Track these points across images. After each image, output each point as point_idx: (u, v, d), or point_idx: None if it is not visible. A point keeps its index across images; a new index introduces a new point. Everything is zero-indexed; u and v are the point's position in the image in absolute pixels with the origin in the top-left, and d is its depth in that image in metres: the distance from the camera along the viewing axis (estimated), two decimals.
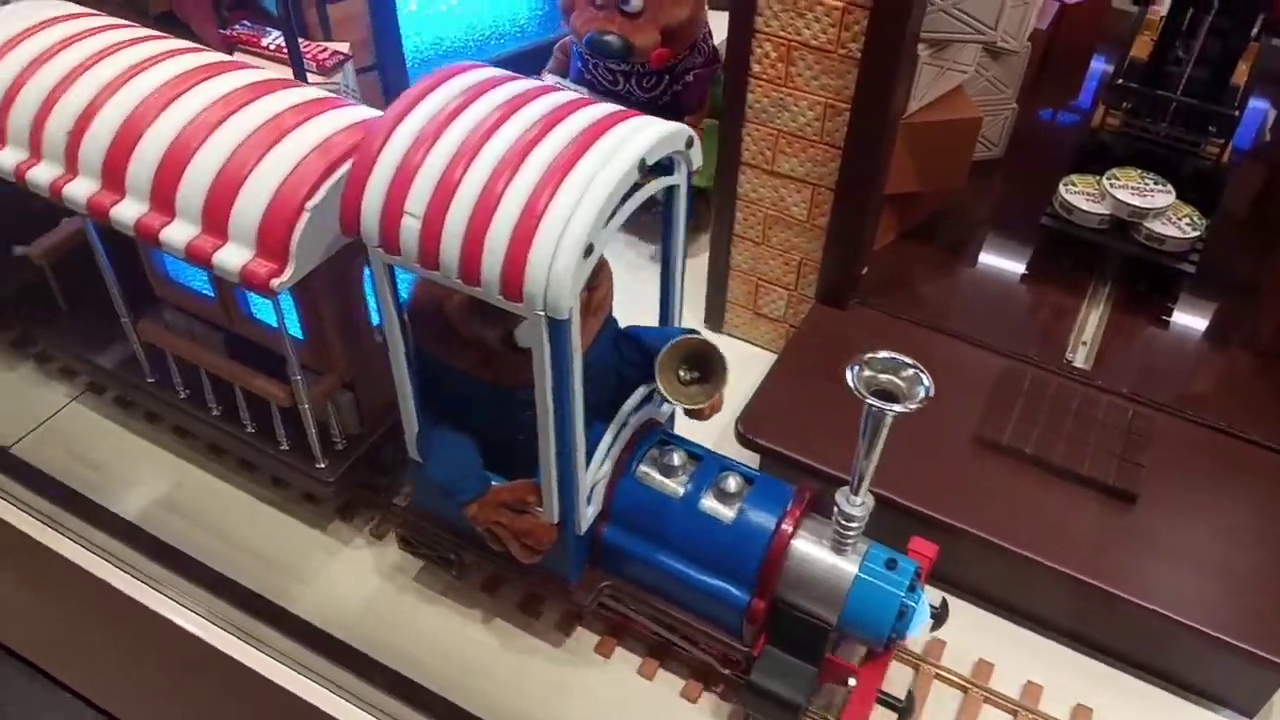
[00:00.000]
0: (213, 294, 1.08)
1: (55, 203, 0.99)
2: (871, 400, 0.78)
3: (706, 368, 0.92)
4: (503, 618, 1.07)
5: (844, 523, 0.91)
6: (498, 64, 1.58)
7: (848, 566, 0.93)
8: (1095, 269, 1.41)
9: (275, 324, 1.05)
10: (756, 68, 1.19)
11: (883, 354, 0.80)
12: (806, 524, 0.95)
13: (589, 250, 0.75)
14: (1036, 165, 1.58)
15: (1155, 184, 1.36)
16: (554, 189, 0.75)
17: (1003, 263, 1.47)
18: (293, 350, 1.00)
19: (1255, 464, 1.13)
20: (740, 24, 1.18)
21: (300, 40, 1.38)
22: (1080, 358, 1.28)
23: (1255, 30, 1.41)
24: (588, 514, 0.95)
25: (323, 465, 1.09)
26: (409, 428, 0.96)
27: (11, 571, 1.28)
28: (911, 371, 0.80)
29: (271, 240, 0.90)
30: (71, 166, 0.98)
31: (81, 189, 0.97)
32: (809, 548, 0.94)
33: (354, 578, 1.11)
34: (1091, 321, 1.34)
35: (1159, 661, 1.05)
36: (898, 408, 0.78)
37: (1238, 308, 1.40)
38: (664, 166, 0.85)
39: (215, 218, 0.92)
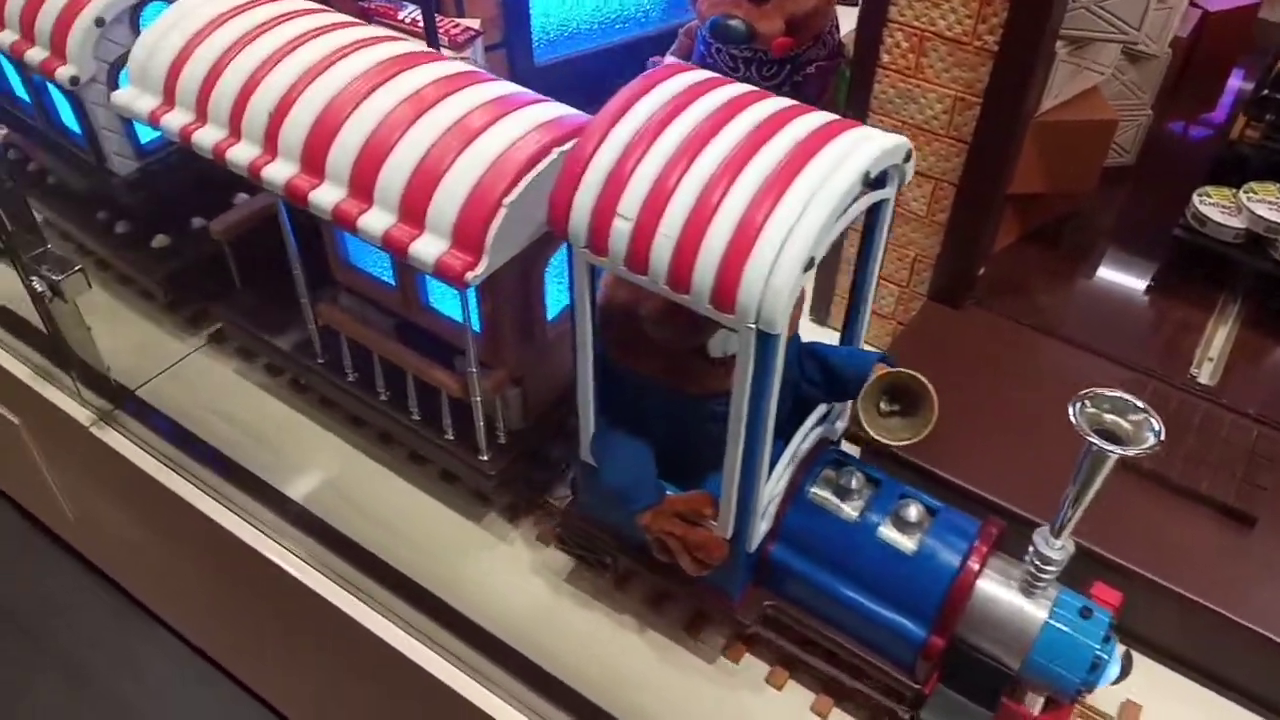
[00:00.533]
0: (394, 281, 1.09)
1: (253, 182, 1.00)
2: (1094, 440, 0.74)
3: (908, 400, 0.88)
4: (662, 632, 1.05)
5: (1040, 565, 0.86)
6: (622, 48, 1.66)
7: (1036, 611, 0.88)
8: (1226, 284, 1.37)
9: (455, 315, 1.06)
10: (886, 58, 1.16)
11: (1111, 392, 0.76)
12: (991, 561, 0.91)
13: (809, 264, 0.72)
14: (1169, 175, 1.54)
15: None
16: (774, 200, 0.73)
17: (1128, 272, 1.42)
18: (472, 343, 1.00)
19: None
20: (872, 12, 1.15)
21: (435, 16, 1.42)
22: (1205, 374, 1.23)
23: None
24: (760, 531, 0.93)
25: (486, 458, 1.09)
26: (585, 430, 0.95)
27: (183, 545, 1.33)
28: (1141, 415, 0.75)
29: (468, 233, 0.90)
30: (271, 148, 0.99)
31: (281, 171, 0.98)
32: (995, 588, 0.89)
33: (510, 574, 1.11)
34: (1219, 338, 1.29)
35: (1271, 693, 0.99)
36: (1122, 450, 0.74)
37: None
38: (878, 179, 0.82)
39: (413, 208, 0.92)
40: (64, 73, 1.11)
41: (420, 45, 1.06)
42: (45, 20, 1.12)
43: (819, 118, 0.80)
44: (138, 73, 1.07)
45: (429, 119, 0.94)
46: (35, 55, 1.13)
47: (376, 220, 0.93)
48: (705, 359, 0.87)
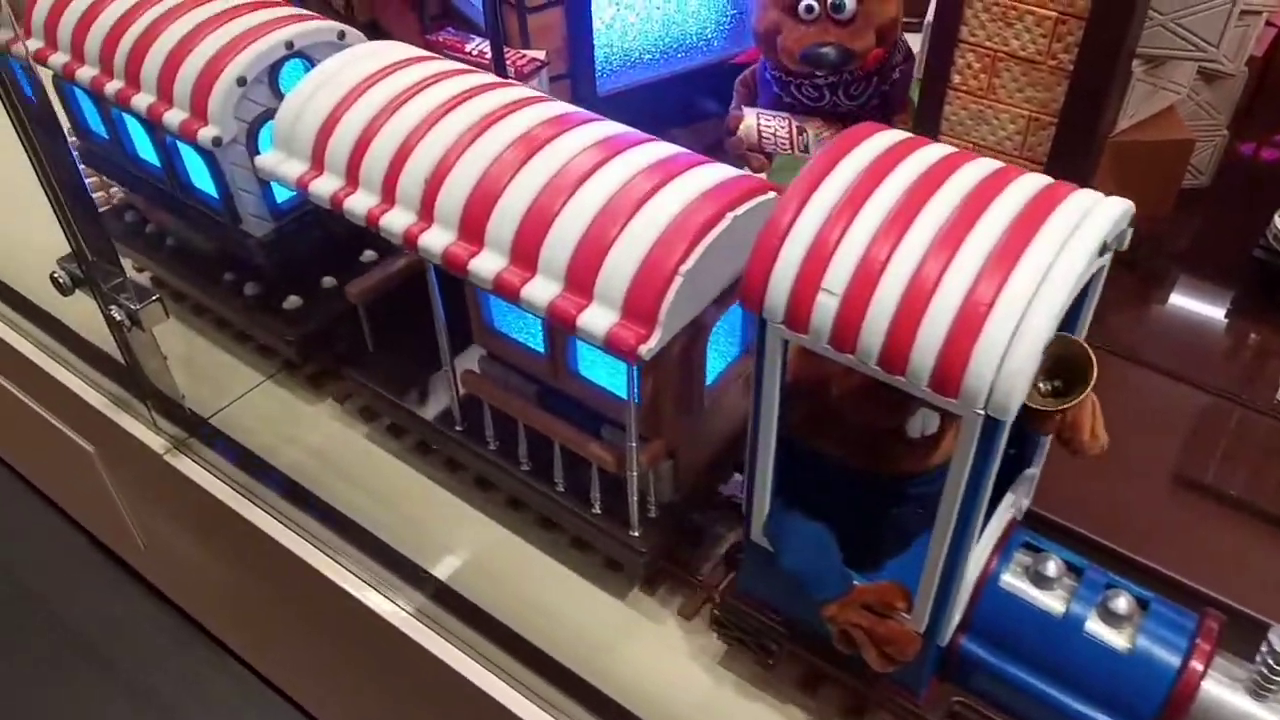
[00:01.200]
0: (542, 348, 1.04)
1: (407, 250, 0.97)
2: None
3: (1067, 375, 0.78)
4: None
5: (1275, 665, 0.77)
6: (684, 76, 1.67)
7: (1270, 718, 0.79)
8: None
9: (608, 385, 1.01)
10: (957, 78, 1.15)
11: None
12: (1215, 660, 0.82)
13: (1048, 345, 0.66)
14: (1245, 197, 1.50)
15: None
16: (1005, 274, 0.67)
17: (1206, 295, 1.39)
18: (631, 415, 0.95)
19: None
20: (943, 34, 1.14)
21: (503, 48, 1.44)
22: None
23: None
24: (953, 623, 0.86)
25: (636, 533, 1.04)
26: (758, 510, 0.89)
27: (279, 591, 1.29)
28: None
29: (641, 305, 0.85)
30: (427, 215, 0.96)
31: (438, 239, 0.94)
32: (1222, 691, 0.81)
33: (655, 653, 1.05)
34: None
35: None
36: None
37: None
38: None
39: (580, 278, 0.87)
40: (206, 134, 1.09)
41: (573, 108, 1.02)
42: (185, 82, 1.11)
43: (1034, 181, 0.74)
44: (283, 136, 1.05)
45: (593, 184, 0.90)
46: (174, 117, 1.12)
47: (541, 290, 0.89)
48: (900, 439, 0.81)
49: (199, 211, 1.25)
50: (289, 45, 1.12)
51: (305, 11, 1.18)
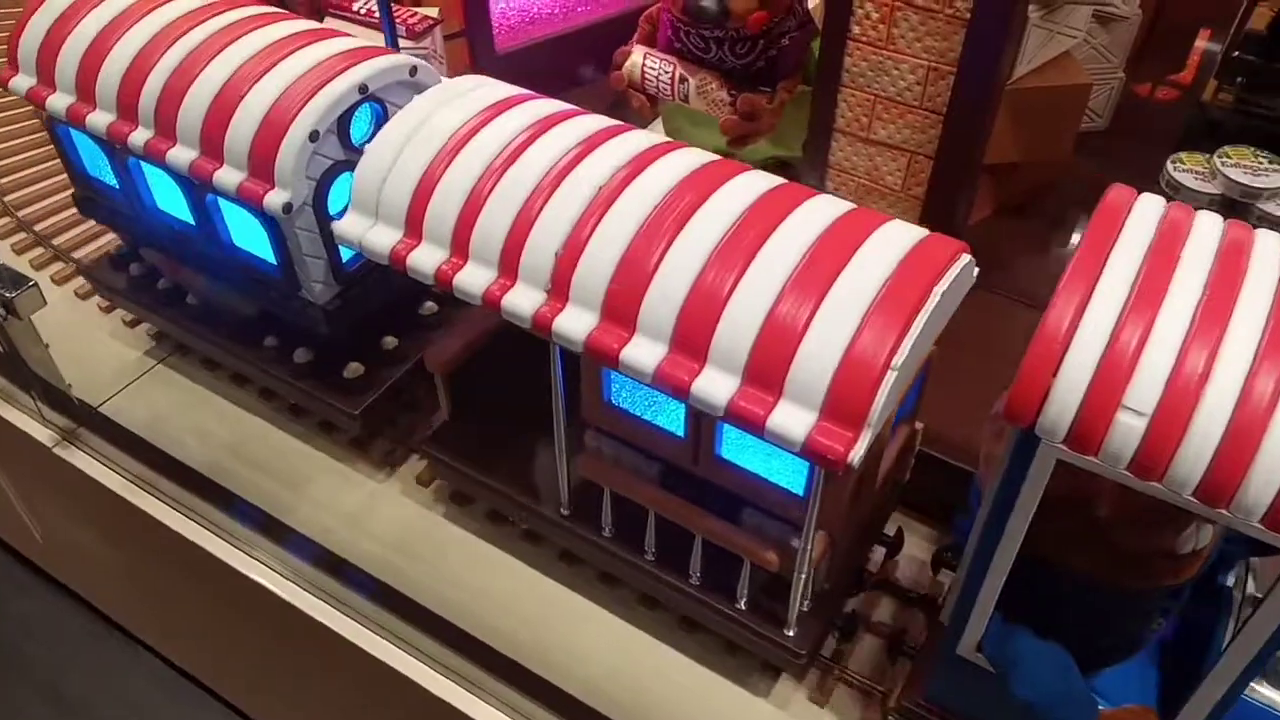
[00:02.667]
0: (682, 432, 0.92)
1: (535, 332, 0.83)
2: None
3: None
4: None
5: None
6: (584, 31, 1.68)
7: None
8: None
9: (764, 473, 0.89)
10: (856, 29, 1.14)
11: None
12: None
13: None
14: (1143, 139, 1.52)
15: (1270, 163, 1.30)
16: None
17: None
18: (788, 507, 0.84)
19: None
20: None
21: (391, 5, 1.40)
22: None
23: None
24: None
25: (792, 632, 0.92)
26: (974, 627, 0.78)
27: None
28: None
29: (845, 404, 0.73)
30: (560, 294, 0.82)
31: (577, 324, 0.81)
32: None
33: None
34: None
35: None
36: None
37: None
38: None
39: (765, 372, 0.75)
40: (275, 200, 0.94)
41: (710, 156, 0.89)
42: (240, 136, 0.95)
43: None
44: (368, 199, 0.90)
45: (767, 258, 0.78)
46: (229, 178, 0.96)
47: (717, 386, 0.76)
48: (1167, 554, 0.71)
49: (243, 274, 1.09)
50: (363, 89, 0.96)
51: (368, 44, 1.02)
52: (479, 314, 1.05)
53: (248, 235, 1.05)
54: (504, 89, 0.96)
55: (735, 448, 0.91)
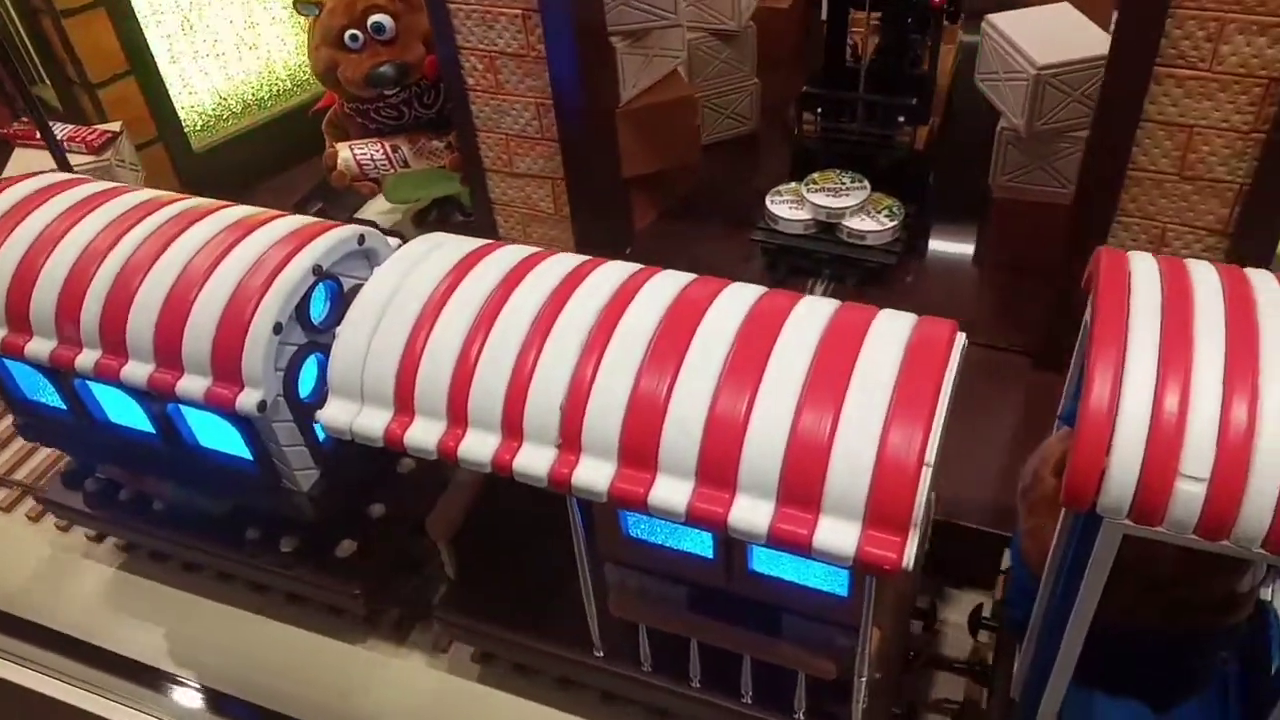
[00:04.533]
0: (711, 554, 0.90)
1: (556, 490, 0.81)
2: None
3: None
4: None
5: None
6: (281, 120, 1.91)
7: None
8: (811, 271, 1.47)
9: (803, 580, 0.88)
10: (470, 80, 1.29)
11: None
12: None
13: None
14: (787, 135, 1.63)
15: (852, 182, 1.44)
16: None
17: (736, 244, 1.52)
18: (830, 609, 0.83)
19: None
20: (444, 41, 1.29)
21: (73, 127, 1.60)
22: None
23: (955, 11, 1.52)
24: None
25: None
26: (1052, 701, 0.77)
27: None
28: None
29: (887, 510, 0.72)
30: (572, 448, 0.80)
31: (596, 475, 0.79)
32: None
33: None
34: None
35: None
36: None
37: (946, 291, 1.46)
38: None
39: (798, 490, 0.74)
40: (248, 401, 0.90)
41: (682, 278, 0.88)
42: (197, 340, 0.91)
43: None
44: (347, 382, 0.87)
45: (774, 377, 0.77)
46: (194, 386, 0.91)
47: (753, 513, 0.75)
48: (1230, 596, 0.71)
49: (216, 474, 1.04)
50: (317, 270, 0.94)
51: (306, 220, 1.00)
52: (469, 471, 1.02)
53: (217, 436, 1.01)
54: (463, 244, 0.94)
55: (768, 561, 0.89)
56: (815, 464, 0.74)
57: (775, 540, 0.74)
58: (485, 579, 1.06)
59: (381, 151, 1.55)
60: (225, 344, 0.90)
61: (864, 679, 0.86)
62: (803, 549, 0.74)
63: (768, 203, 1.44)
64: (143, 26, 1.70)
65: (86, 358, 0.96)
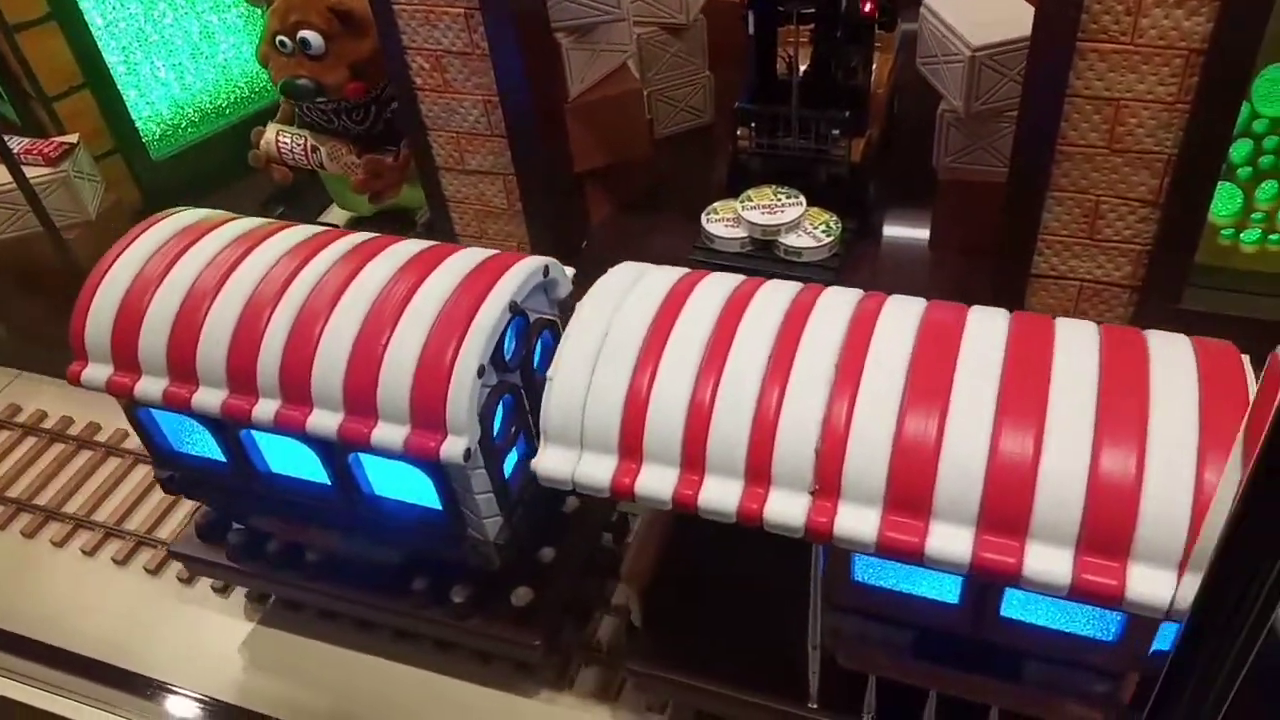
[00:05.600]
0: (957, 599, 0.84)
1: (811, 540, 0.75)
2: None
3: None
4: None
5: None
6: (242, 125, 1.92)
7: None
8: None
9: (1066, 627, 0.81)
10: (418, 80, 1.30)
11: None
12: None
13: None
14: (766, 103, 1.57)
15: (787, 198, 1.39)
16: None
17: (688, 227, 1.48)
18: (1090, 653, 0.77)
19: None
20: (389, 42, 1.29)
21: (29, 140, 1.62)
22: None
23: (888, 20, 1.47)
24: None
25: None
26: None
27: None
28: None
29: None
30: (830, 492, 0.74)
31: (862, 524, 0.73)
32: None
33: None
34: None
35: None
36: None
37: (900, 276, 1.43)
38: None
39: (1106, 538, 0.68)
40: (455, 450, 0.84)
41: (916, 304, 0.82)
42: (394, 388, 0.85)
43: None
44: (564, 429, 0.81)
45: (1059, 413, 0.71)
46: (391, 436, 0.85)
47: (1051, 564, 0.69)
48: None
49: (390, 524, 0.99)
50: (513, 308, 0.88)
51: (487, 252, 0.94)
52: (656, 512, 0.97)
53: (400, 485, 0.95)
54: (667, 275, 0.88)
55: (1023, 607, 0.83)
56: (1123, 510, 0.68)
57: (1079, 592, 0.68)
58: (671, 625, 1.00)
59: (303, 146, 1.59)
60: (425, 391, 0.84)
61: None
62: (1113, 601, 0.67)
63: (704, 222, 1.41)
64: (97, 38, 1.70)
65: (264, 409, 0.90)
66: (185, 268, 0.96)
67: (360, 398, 0.87)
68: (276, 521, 1.09)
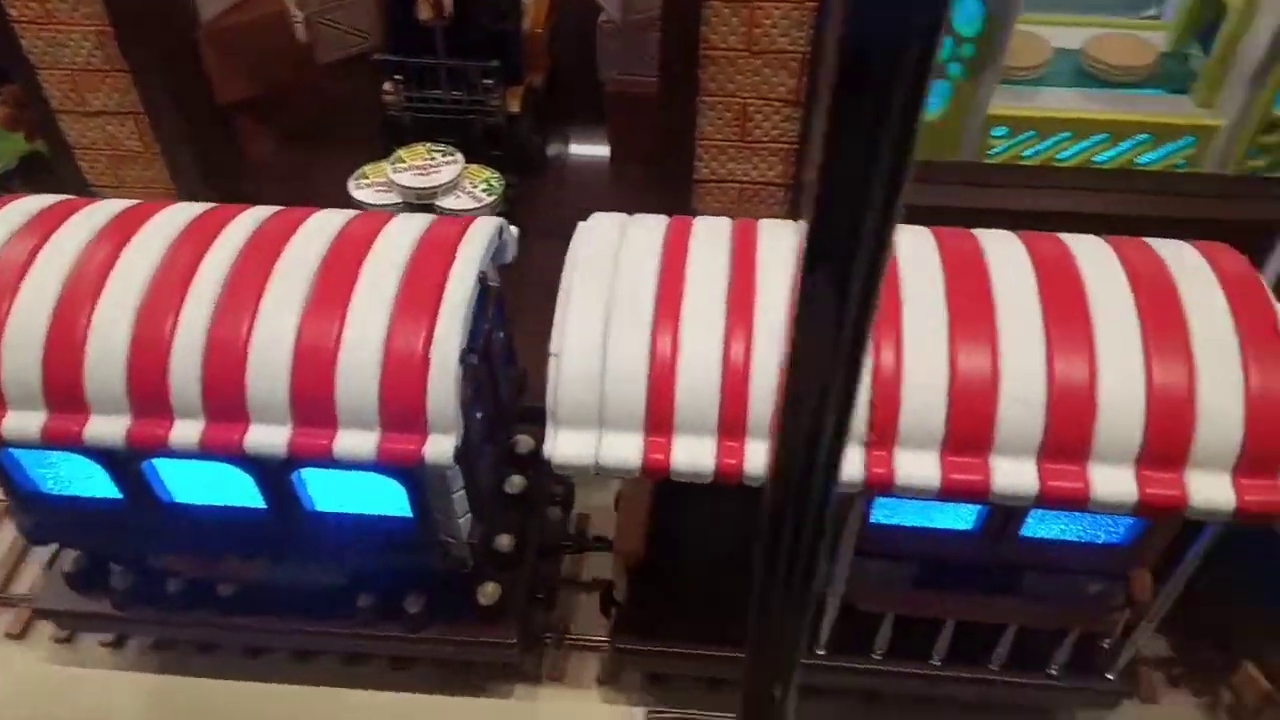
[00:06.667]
0: (975, 526, 0.83)
1: (878, 492, 0.70)
2: None
3: None
4: None
5: None
6: None
7: None
8: None
9: (1078, 537, 0.83)
10: (13, 10, 1.14)
11: None
12: None
13: None
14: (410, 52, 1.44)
15: (444, 156, 1.25)
16: None
17: (355, 147, 1.37)
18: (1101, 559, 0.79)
19: None
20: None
21: None
22: None
23: None
24: None
25: (1113, 675, 0.88)
26: None
27: None
28: None
29: (1261, 456, 0.67)
30: (887, 441, 0.69)
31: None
32: None
33: None
34: None
35: None
36: None
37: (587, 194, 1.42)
38: None
39: (1167, 450, 0.68)
40: (441, 450, 0.72)
41: None
42: (356, 386, 0.72)
43: None
44: (578, 410, 0.72)
45: (1113, 336, 0.70)
46: (358, 444, 0.72)
47: (1115, 482, 0.68)
48: None
49: (338, 541, 0.85)
50: (482, 278, 0.76)
51: (424, 217, 0.81)
52: (633, 484, 0.90)
53: (357, 497, 0.82)
54: (650, 227, 0.79)
55: (1042, 524, 0.83)
56: (1183, 423, 0.68)
57: (1147, 507, 0.68)
58: (659, 598, 0.94)
59: None
60: (397, 386, 0.72)
61: (1153, 623, 0.83)
62: (1178, 508, 0.68)
63: (350, 189, 1.25)
64: None
65: (184, 433, 0.74)
66: (47, 269, 0.77)
67: (312, 405, 0.73)
68: (182, 558, 0.92)
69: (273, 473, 0.78)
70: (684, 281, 0.74)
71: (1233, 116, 1.23)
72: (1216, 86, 1.24)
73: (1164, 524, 0.80)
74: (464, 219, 0.81)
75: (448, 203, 1.21)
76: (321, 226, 0.79)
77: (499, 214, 1.10)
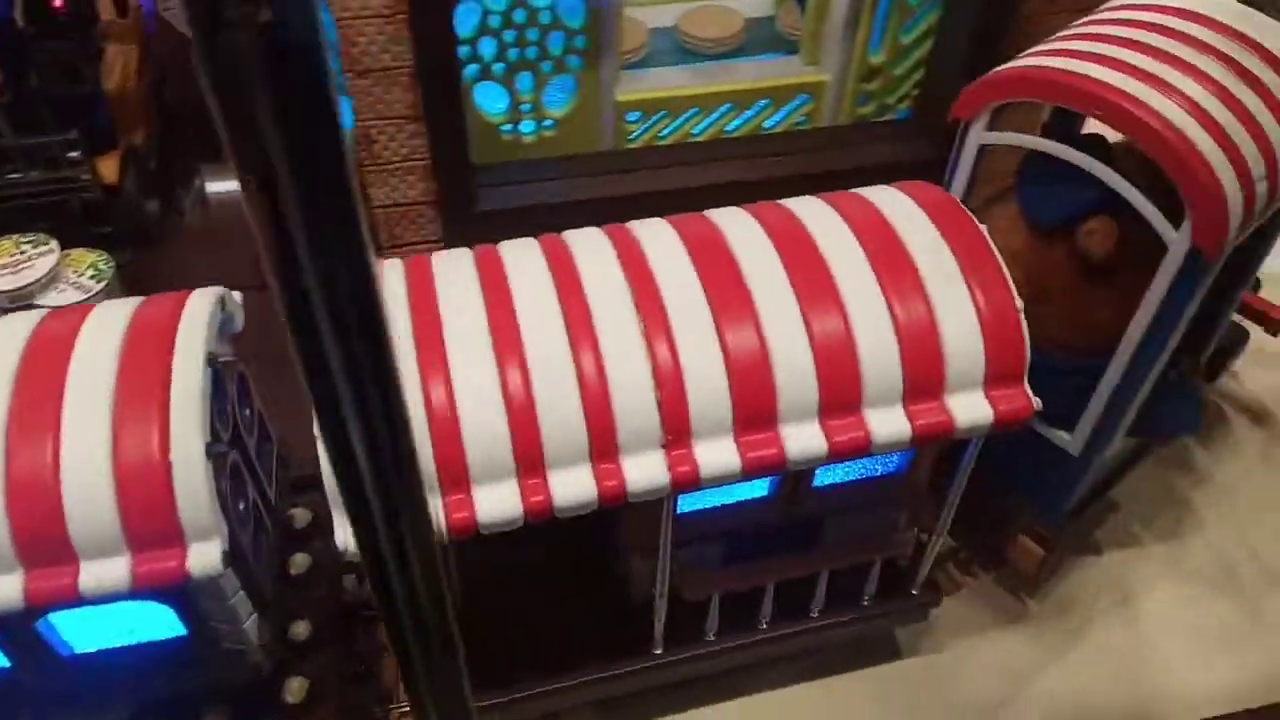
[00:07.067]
0: (769, 490, 0.84)
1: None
2: None
3: None
4: None
5: None
6: None
7: None
8: None
9: (867, 473, 0.87)
10: None
11: None
12: None
13: None
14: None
15: (35, 247, 1.09)
16: None
17: None
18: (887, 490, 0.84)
19: None
20: None
21: None
22: None
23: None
24: None
25: (916, 591, 0.94)
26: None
27: None
28: None
29: (1001, 368, 0.73)
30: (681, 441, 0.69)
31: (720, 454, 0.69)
32: None
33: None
34: None
35: None
36: None
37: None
38: None
39: (920, 386, 0.72)
40: (208, 558, 0.64)
41: None
42: (90, 510, 0.63)
43: None
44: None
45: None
46: (109, 573, 0.63)
47: (891, 424, 0.71)
48: None
49: (102, 681, 0.75)
50: (211, 360, 0.68)
51: (136, 299, 0.72)
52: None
53: (115, 628, 0.72)
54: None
55: (828, 472, 0.86)
56: (933, 354, 0.72)
57: (920, 438, 0.72)
58: (496, 646, 0.90)
59: None
60: (139, 500, 0.63)
61: (939, 537, 0.88)
62: (946, 433, 0.72)
63: None
64: None
65: None
66: None
67: (42, 543, 0.63)
68: None
69: (13, 626, 0.67)
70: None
71: (835, 71, 1.29)
72: (818, 43, 1.30)
73: (930, 447, 0.86)
74: (174, 295, 0.72)
75: (49, 299, 1.06)
76: (1, 335, 0.68)
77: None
